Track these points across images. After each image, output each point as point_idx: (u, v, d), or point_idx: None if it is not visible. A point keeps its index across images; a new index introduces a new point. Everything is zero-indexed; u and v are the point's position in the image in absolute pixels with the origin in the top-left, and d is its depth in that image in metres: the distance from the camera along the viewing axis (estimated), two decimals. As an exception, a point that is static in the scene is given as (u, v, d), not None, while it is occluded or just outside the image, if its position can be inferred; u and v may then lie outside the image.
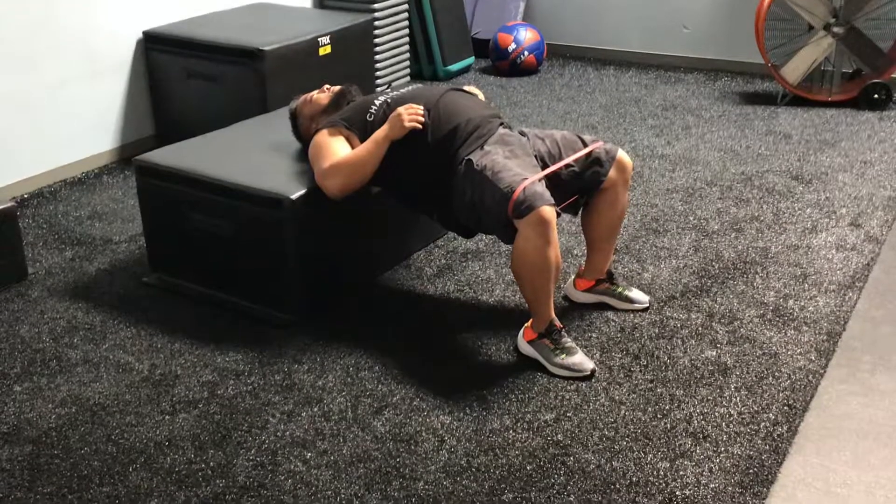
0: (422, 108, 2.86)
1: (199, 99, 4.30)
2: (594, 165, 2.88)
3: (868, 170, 4.15)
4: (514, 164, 2.71)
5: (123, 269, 3.35)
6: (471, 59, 5.84)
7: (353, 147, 2.91)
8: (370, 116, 2.94)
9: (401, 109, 2.84)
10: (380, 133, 2.85)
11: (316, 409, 2.54)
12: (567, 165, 2.84)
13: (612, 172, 2.90)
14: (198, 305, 3.09)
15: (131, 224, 3.71)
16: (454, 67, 5.66)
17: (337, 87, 3.14)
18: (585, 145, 2.91)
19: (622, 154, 2.93)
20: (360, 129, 2.93)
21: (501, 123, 2.94)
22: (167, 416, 2.52)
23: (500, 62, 5.74)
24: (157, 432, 2.46)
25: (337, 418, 2.51)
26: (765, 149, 4.44)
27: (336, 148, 2.89)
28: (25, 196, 3.97)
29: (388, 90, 3.08)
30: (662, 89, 5.43)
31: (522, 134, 2.94)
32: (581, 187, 2.91)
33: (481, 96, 3.18)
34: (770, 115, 4.93)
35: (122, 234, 3.63)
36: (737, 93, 5.33)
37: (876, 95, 4.92)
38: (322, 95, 3.13)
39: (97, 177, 4.21)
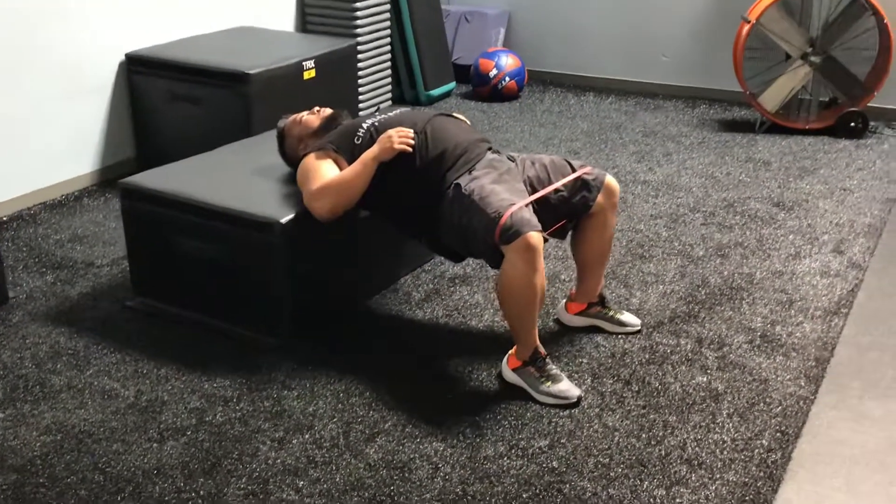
0: (411, 131, 2.85)
1: (182, 122, 4.27)
2: (582, 190, 2.89)
3: (847, 197, 4.20)
4: (503, 188, 2.71)
5: (106, 293, 3.30)
6: (452, 85, 5.86)
7: (341, 170, 2.89)
8: (357, 139, 2.93)
9: (391, 132, 2.84)
10: (368, 154, 2.84)
11: (307, 436, 2.51)
12: (556, 190, 2.85)
13: (600, 197, 2.90)
14: (183, 330, 3.05)
15: (113, 247, 3.66)
16: (436, 92, 5.68)
17: (328, 111, 3.13)
18: (574, 170, 2.91)
19: (610, 178, 2.95)
20: (347, 151, 2.92)
21: (489, 148, 2.95)
22: (155, 444, 2.47)
23: (482, 87, 5.77)
24: (145, 460, 2.41)
25: (329, 445, 2.47)
26: (745, 175, 4.48)
27: (324, 170, 2.88)
28: (4, 219, 3.91)
29: (376, 113, 3.07)
30: (642, 116, 5.47)
31: (511, 159, 2.94)
32: (569, 212, 2.91)
33: (467, 123, 3.18)
34: (749, 142, 4.98)
35: (103, 257, 3.58)
36: (715, 120, 5.38)
37: (853, 124, 4.99)
38: (312, 117, 3.12)
39: (77, 199, 4.15)
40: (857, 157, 4.73)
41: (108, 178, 4.35)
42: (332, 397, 2.69)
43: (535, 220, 2.60)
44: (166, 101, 4.28)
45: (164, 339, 3.00)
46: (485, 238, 2.60)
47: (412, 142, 2.82)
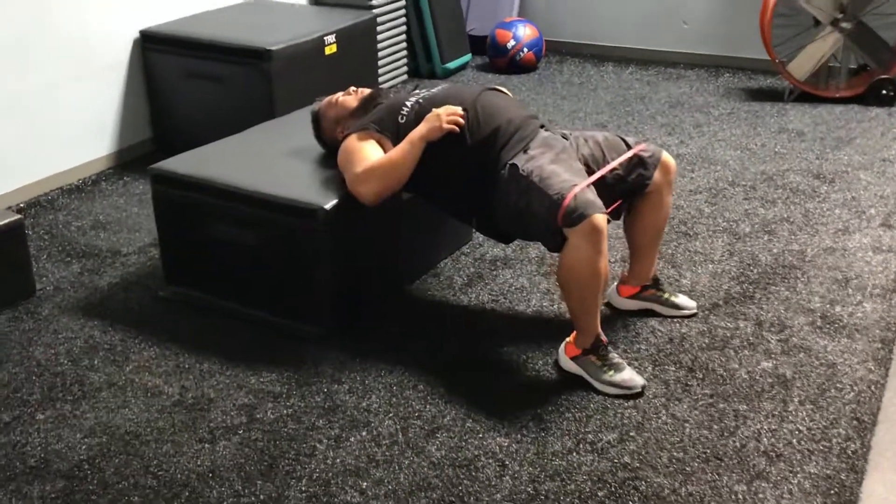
0: (460, 109, 2.72)
1: (201, 101, 4.11)
2: (639, 168, 2.77)
3: (888, 168, 4.08)
4: (562, 169, 2.58)
5: (136, 283, 3.17)
6: (468, 57, 5.70)
7: (385, 151, 2.76)
8: (402, 118, 2.80)
9: (439, 110, 2.70)
10: (415, 133, 2.70)
11: (364, 434, 2.40)
12: (612, 169, 2.72)
13: (656, 175, 2.79)
14: (220, 320, 2.93)
15: (138, 234, 3.52)
16: (452, 65, 5.52)
17: (366, 90, 2.99)
18: (629, 147, 2.79)
19: (666, 155, 2.83)
20: (391, 131, 2.79)
21: (542, 125, 2.82)
22: (206, 445, 2.36)
23: (499, 59, 5.61)
24: (199, 462, 2.29)
25: (388, 443, 2.36)
26: (780, 147, 4.36)
27: (368, 152, 2.74)
28: (22, 205, 3.76)
29: (417, 90, 2.93)
30: (665, 86, 5.33)
31: (564, 137, 2.81)
32: (625, 191, 2.79)
33: (511, 97, 3.05)
34: (779, 111, 4.85)
35: (129, 245, 3.44)
36: (741, 89, 5.25)
37: (884, 91, 4.86)
38: (349, 98, 2.98)
39: (95, 183, 4.01)
40: (891, 125, 4.61)
41: (126, 160, 4.21)
42: (384, 391, 2.57)
43: (599, 201, 2.48)
44: (183, 79, 4.13)
45: (202, 330, 2.88)
46: (546, 221, 2.48)
47: (461, 121, 2.69)
